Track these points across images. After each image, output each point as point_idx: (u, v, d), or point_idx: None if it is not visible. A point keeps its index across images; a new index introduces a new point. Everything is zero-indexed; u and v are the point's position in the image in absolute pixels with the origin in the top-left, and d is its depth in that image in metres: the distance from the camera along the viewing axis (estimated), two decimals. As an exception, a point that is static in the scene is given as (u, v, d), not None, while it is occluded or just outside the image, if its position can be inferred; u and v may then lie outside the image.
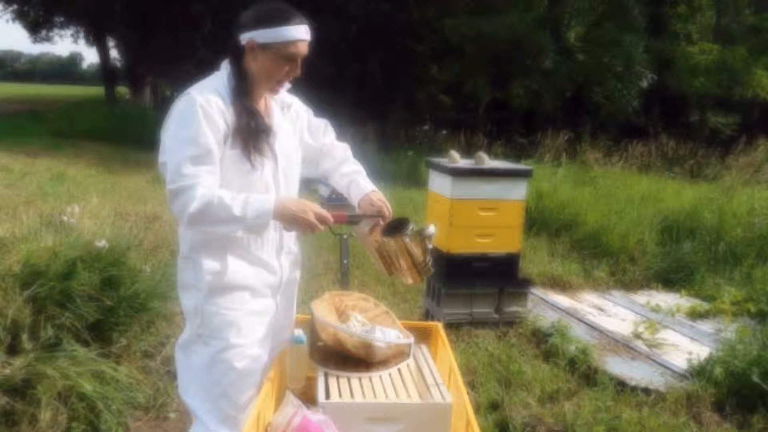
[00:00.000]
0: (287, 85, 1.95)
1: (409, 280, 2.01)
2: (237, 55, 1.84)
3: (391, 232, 1.94)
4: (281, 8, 1.82)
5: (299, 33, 1.81)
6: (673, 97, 15.14)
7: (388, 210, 2.00)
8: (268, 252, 1.93)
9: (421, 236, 1.93)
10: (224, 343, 1.87)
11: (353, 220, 1.98)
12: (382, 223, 1.98)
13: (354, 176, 2.09)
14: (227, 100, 1.81)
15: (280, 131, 1.95)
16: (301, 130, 2.10)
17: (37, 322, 2.86)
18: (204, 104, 1.76)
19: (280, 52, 1.81)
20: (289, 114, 2.04)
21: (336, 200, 2.26)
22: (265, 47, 1.80)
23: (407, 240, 1.92)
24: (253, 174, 1.84)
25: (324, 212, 1.81)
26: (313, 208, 1.80)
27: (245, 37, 1.81)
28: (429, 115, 16.17)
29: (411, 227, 1.93)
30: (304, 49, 1.84)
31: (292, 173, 2.00)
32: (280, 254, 1.97)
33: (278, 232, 1.94)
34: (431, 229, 1.95)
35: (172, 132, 1.78)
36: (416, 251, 1.93)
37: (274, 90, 1.92)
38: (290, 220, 1.78)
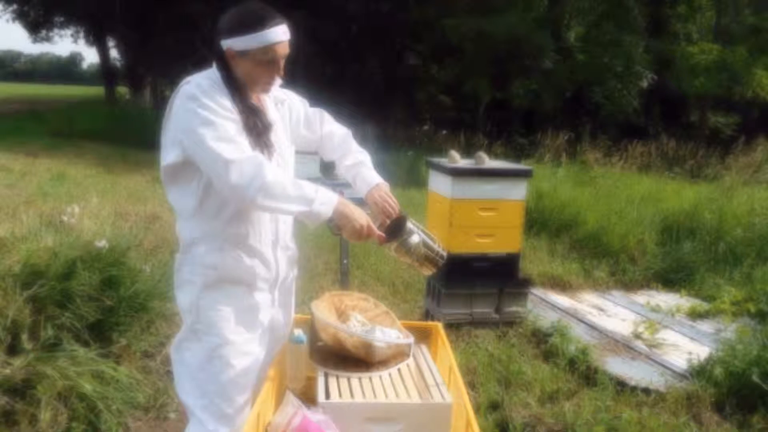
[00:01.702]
0: (278, 83, 1.94)
1: (426, 273, 2.06)
2: (223, 61, 1.83)
3: (389, 235, 1.95)
4: (256, 11, 1.79)
5: (276, 35, 1.78)
6: (673, 97, 15.17)
7: (392, 206, 1.99)
8: (265, 244, 1.93)
9: (405, 248, 1.93)
10: (219, 338, 1.87)
11: (390, 240, 1.98)
12: (387, 221, 1.98)
13: (357, 169, 2.09)
14: (226, 94, 1.81)
15: (276, 126, 1.96)
16: (297, 125, 2.10)
17: (37, 322, 2.86)
18: (212, 84, 1.78)
19: (259, 58, 1.79)
20: (282, 109, 2.04)
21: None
22: (243, 54, 1.78)
23: (393, 251, 1.95)
24: None
25: (374, 230, 1.86)
26: (369, 221, 1.85)
27: (224, 45, 1.80)
28: (429, 115, 16.19)
29: (405, 230, 1.93)
30: (283, 50, 1.82)
31: (287, 168, 2.01)
32: (276, 248, 1.97)
33: (274, 224, 1.94)
34: (414, 238, 1.94)
35: (193, 116, 1.72)
36: (410, 256, 1.95)
37: (263, 91, 1.92)
38: (346, 219, 1.81)
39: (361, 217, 1.83)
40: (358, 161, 2.10)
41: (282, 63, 1.84)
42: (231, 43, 1.78)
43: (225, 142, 1.70)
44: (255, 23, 1.76)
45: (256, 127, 1.82)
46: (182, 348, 1.94)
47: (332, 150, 2.15)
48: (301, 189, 1.74)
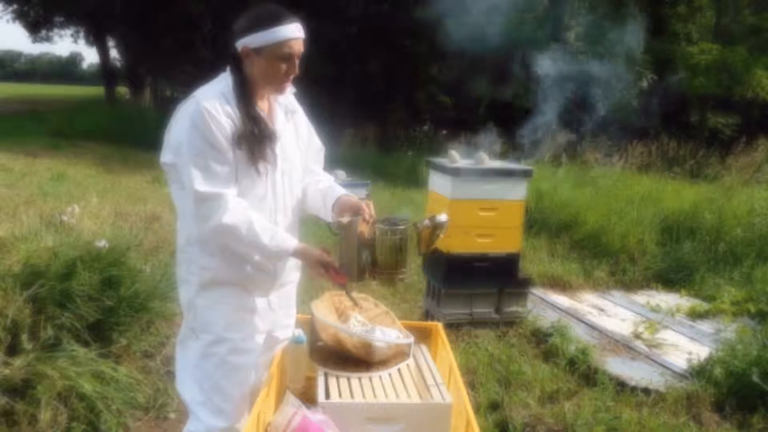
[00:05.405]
0: (291, 87, 1.95)
1: (378, 281, 1.94)
2: (236, 62, 1.85)
3: (390, 225, 1.88)
4: (271, 10, 1.83)
5: (291, 32, 1.81)
6: (673, 97, 15.14)
7: (369, 208, 1.94)
8: None
9: (432, 225, 1.89)
10: (213, 336, 1.90)
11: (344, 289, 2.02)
12: (368, 218, 1.90)
13: (333, 185, 2.08)
14: (233, 104, 1.83)
15: (283, 135, 1.96)
16: (305, 139, 2.10)
17: (37, 322, 2.86)
18: (211, 109, 1.78)
19: (275, 54, 1.81)
20: (293, 119, 2.05)
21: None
22: (259, 51, 1.81)
23: (419, 227, 1.89)
24: (258, 179, 1.87)
25: (334, 272, 1.87)
26: (328, 260, 1.87)
27: (240, 44, 1.83)
28: (429, 115, 16.18)
29: (414, 222, 1.90)
30: (298, 47, 1.84)
31: (295, 175, 2.01)
32: None
33: None
34: (443, 217, 1.91)
35: (186, 136, 1.78)
36: (423, 239, 1.91)
37: (278, 91, 1.92)
38: (306, 265, 1.93)
39: (321, 258, 1.86)
40: (334, 184, 2.10)
41: (297, 61, 1.86)
42: (247, 41, 1.81)
43: (206, 175, 1.76)
44: (271, 20, 1.80)
45: (252, 135, 1.83)
46: (185, 345, 1.98)
47: (313, 175, 2.12)
48: (257, 237, 1.79)
